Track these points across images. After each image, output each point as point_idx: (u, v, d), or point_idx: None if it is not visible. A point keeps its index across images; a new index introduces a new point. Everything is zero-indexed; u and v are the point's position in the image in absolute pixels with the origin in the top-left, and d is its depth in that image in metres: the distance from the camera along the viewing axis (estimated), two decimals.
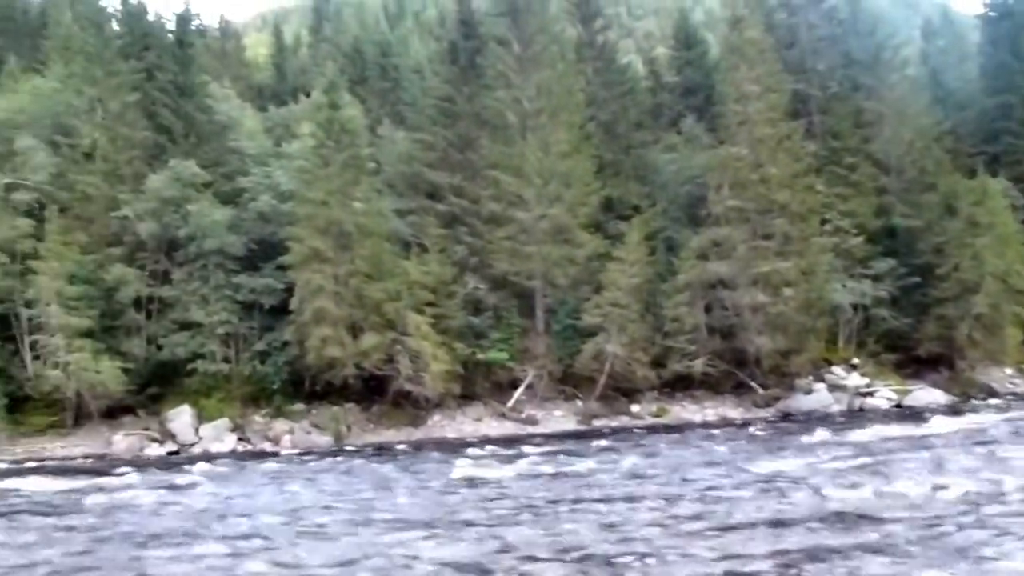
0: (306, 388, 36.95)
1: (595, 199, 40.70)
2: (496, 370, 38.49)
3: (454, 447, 33.03)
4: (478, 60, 43.17)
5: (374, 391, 37.11)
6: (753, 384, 38.94)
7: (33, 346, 35.54)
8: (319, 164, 36.97)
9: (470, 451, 31.15)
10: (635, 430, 35.97)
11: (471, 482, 24.35)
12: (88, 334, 34.99)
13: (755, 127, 38.80)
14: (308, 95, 49.49)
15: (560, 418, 38.23)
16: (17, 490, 26.21)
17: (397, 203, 40.51)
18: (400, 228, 39.39)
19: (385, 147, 43.85)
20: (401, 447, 34.31)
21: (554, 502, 20.79)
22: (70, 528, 20.56)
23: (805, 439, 29.58)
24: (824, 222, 40.84)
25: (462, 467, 26.80)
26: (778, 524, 17.25)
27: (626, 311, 37.27)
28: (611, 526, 17.91)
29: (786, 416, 37.46)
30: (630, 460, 27.02)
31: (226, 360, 37.21)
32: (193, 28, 46.96)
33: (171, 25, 45.26)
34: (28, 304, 35.60)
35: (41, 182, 37.75)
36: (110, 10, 50.57)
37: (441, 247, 38.61)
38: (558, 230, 39.34)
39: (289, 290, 36.57)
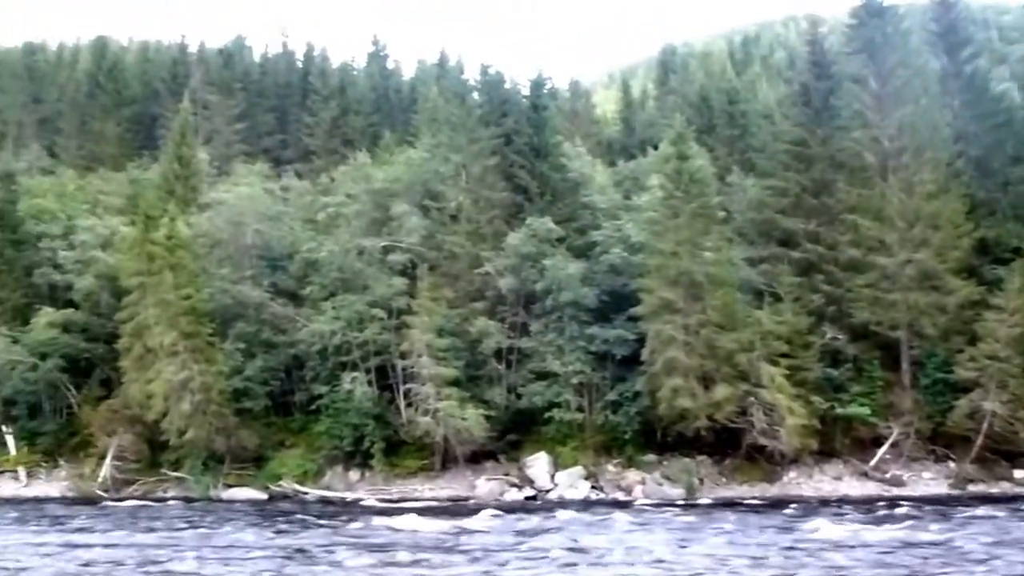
0: (658, 439, 38.56)
1: (967, 241, 38.73)
2: (857, 426, 37.68)
3: (811, 506, 32.79)
4: (832, 101, 43.01)
5: (727, 444, 37.83)
6: None
7: (407, 394, 40.37)
8: (668, 215, 38.79)
9: (828, 511, 30.79)
10: (1020, 498, 33.46)
11: (834, 545, 24.08)
12: (455, 383, 39.20)
13: None
14: (656, 147, 51.67)
15: (929, 480, 36.70)
16: (391, 527, 29.99)
17: (748, 251, 41.16)
18: (752, 277, 39.99)
19: (735, 195, 44.79)
20: (755, 503, 34.59)
21: None
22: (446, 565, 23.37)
23: None
24: None
25: (821, 528, 26.65)
26: None
27: (1006, 365, 35.04)
28: None
29: None
30: (1014, 534, 25.41)
31: (580, 409, 39.84)
32: (546, 91, 51.11)
33: (526, 91, 49.69)
34: (402, 355, 40.58)
35: (413, 244, 43.06)
36: (471, 82, 56.46)
37: (796, 296, 38.65)
38: (925, 276, 37.88)
39: (640, 341, 38.55)
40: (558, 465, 39.16)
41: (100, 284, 45.06)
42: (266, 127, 75.51)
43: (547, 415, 39.63)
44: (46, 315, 43.99)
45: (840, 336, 38.53)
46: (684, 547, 25.16)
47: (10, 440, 44.66)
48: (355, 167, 48.63)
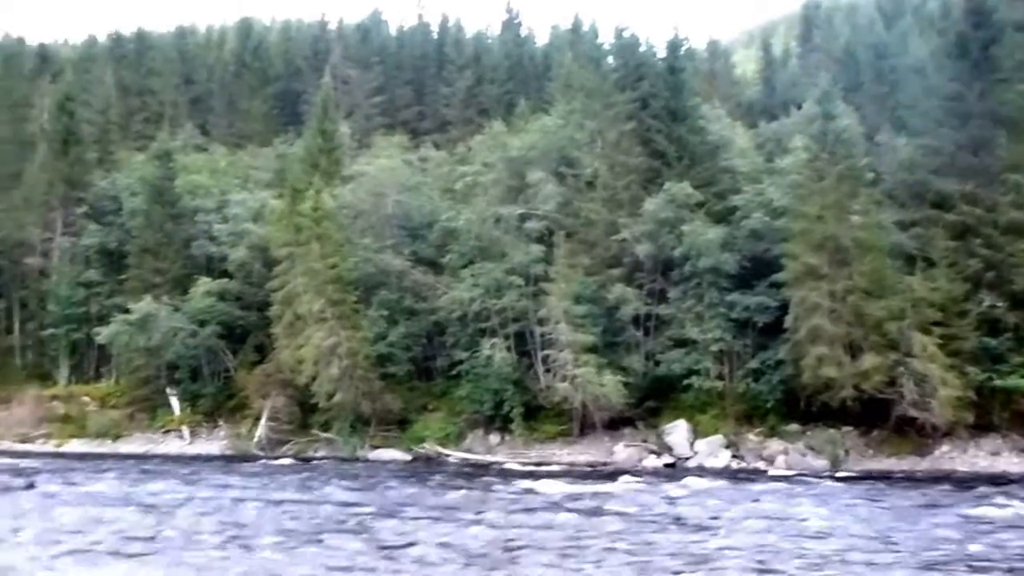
0: (801, 408, 37.69)
1: None
2: (1017, 398, 35.77)
3: (964, 482, 31.54)
4: (992, 51, 40.63)
5: (874, 415, 36.65)
6: None
7: (544, 360, 40.76)
8: (813, 178, 37.71)
9: (984, 488, 29.48)
10: None
11: (1003, 524, 23.18)
12: (592, 349, 39.32)
13: None
14: (799, 107, 50.26)
15: None
16: (532, 490, 30.58)
17: (899, 215, 39.55)
18: (903, 241, 38.44)
19: (884, 155, 43.06)
20: (902, 477, 33.54)
21: None
22: (586, 527, 23.68)
23: None
24: None
25: (982, 504, 25.67)
26: None
27: None
28: None
29: None
30: None
31: (720, 377, 39.43)
32: (682, 53, 50.16)
33: (662, 53, 48.96)
34: (540, 322, 40.95)
35: (549, 211, 43.22)
36: (606, 46, 56.01)
37: (951, 261, 36.92)
38: None
39: (783, 308, 37.73)
40: (698, 433, 38.93)
41: (252, 255, 47.18)
42: (403, 99, 76.87)
43: (686, 382, 39.40)
44: (204, 285, 46.36)
45: (999, 304, 36.39)
46: (839, 519, 24.60)
47: (174, 402, 47.40)
48: (491, 136, 49.07)
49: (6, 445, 46.94)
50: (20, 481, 32.31)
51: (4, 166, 60.74)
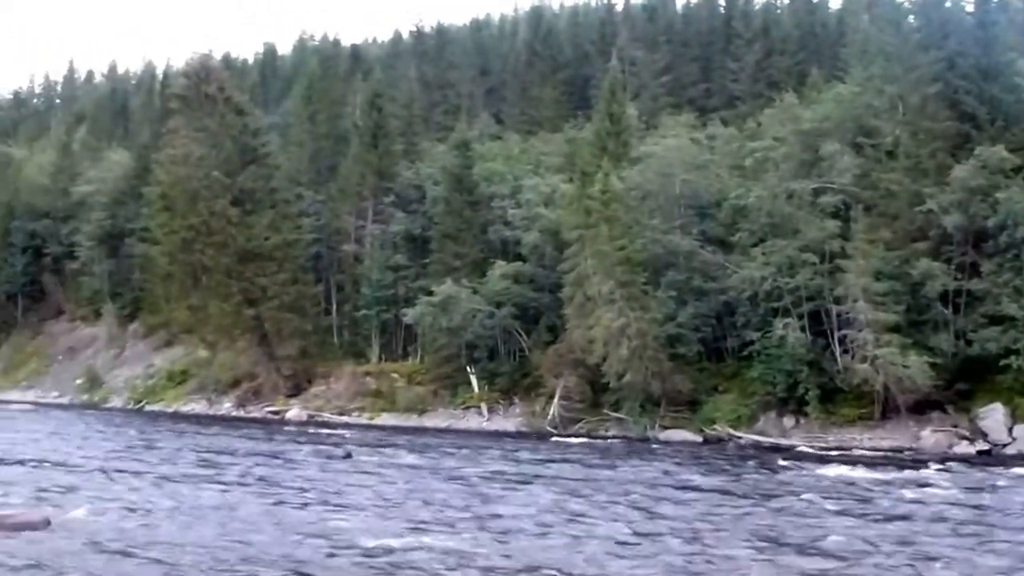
0: None
1: None
2: None
3: None
4: None
5: None
6: None
7: (842, 341, 39.05)
8: None
9: None
10: None
11: None
12: (895, 329, 37.19)
13: None
14: None
15: None
16: (832, 476, 29.54)
17: None
18: None
19: None
20: None
21: None
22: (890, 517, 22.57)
23: None
24: None
25: None
26: None
27: None
28: None
29: None
30: None
31: None
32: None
33: (970, 7, 45.14)
34: (837, 301, 39.29)
35: (846, 184, 41.25)
36: (906, 5, 52.40)
37: None
38: None
39: None
40: (1016, 417, 35.78)
41: (544, 238, 48.77)
42: (690, 77, 76.17)
43: (1003, 363, 36.16)
44: (500, 268, 48.59)
45: None
46: None
47: (473, 379, 50.10)
48: (781, 109, 47.46)
49: (326, 417, 51.81)
50: (339, 451, 35.46)
51: (323, 160, 66.99)
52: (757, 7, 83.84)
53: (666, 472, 30.87)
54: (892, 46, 43.88)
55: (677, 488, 27.16)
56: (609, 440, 41.97)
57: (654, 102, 69.26)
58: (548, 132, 65.77)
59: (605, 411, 44.47)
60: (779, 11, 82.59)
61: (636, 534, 20.41)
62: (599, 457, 35.22)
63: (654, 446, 39.62)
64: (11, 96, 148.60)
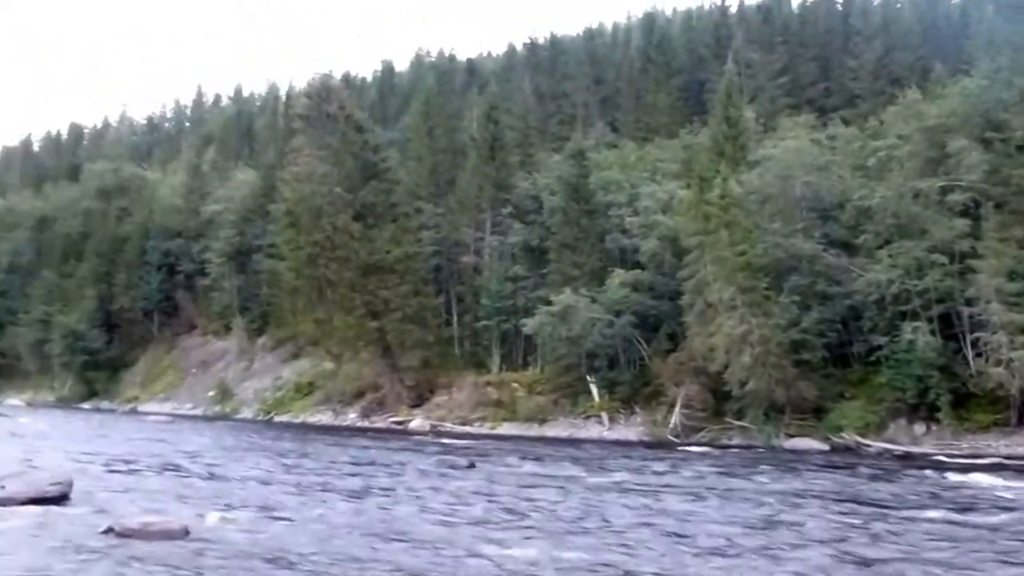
0: None
1: None
2: None
3: None
4: None
5: None
6: None
7: (975, 344, 37.97)
8: None
9: None
10: None
11: None
12: None
13: None
14: None
15: None
16: (967, 484, 28.59)
17: None
18: None
19: None
20: None
21: None
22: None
23: None
24: None
25: None
26: None
27: None
28: None
29: None
30: None
31: None
32: None
33: None
34: (968, 302, 38.23)
35: (975, 181, 40.10)
36: None
37: None
38: None
39: None
40: None
41: (662, 245, 48.81)
42: (808, 77, 74.97)
43: None
44: (618, 276, 48.79)
45: None
46: None
47: (594, 389, 50.35)
48: (904, 106, 46.39)
49: (448, 427, 52.79)
50: (463, 461, 36.08)
51: (441, 174, 68.46)
52: (876, 3, 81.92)
53: (800, 481, 30.43)
54: (1020, 36, 42.47)
55: (814, 497, 26.78)
56: (733, 449, 41.61)
57: (772, 104, 68.50)
58: (664, 138, 65.71)
59: (728, 419, 44.17)
60: (899, 5, 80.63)
61: (778, 545, 20.13)
62: (726, 466, 34.88)
63: (780, 455, 39.09)
64: (145, 122, 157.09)
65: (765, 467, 34.07)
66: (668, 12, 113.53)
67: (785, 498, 26.45)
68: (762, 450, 40.52)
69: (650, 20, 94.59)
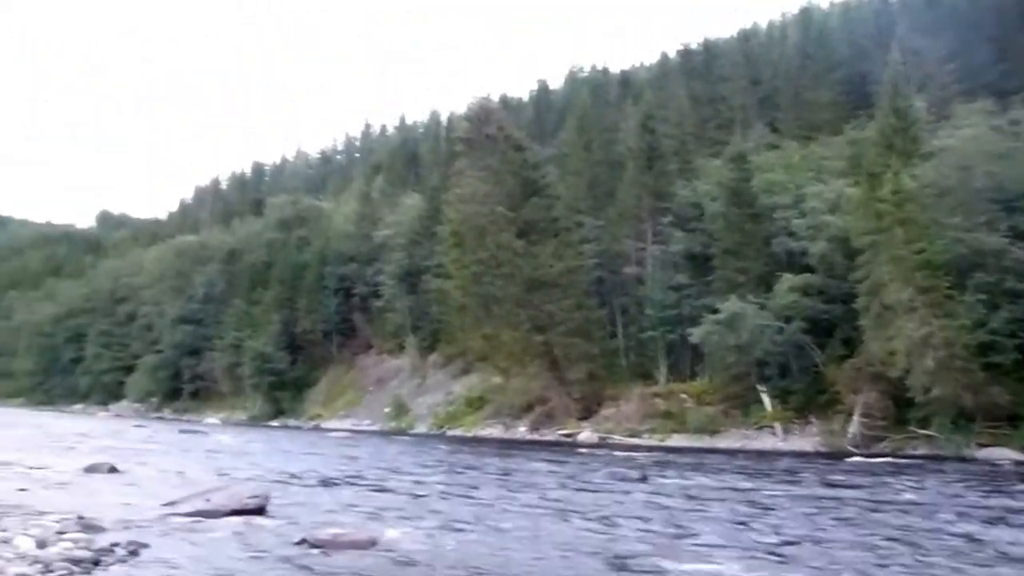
0: None
1: None
2: None
3: None
4: None
5: None
6: None
7: None
8: None
9: None
10: None
11: None
12: None
13: None
14: None
15: None
16: None
17: None
18: None
19: None
20: None
21: None
22: None
23: None
24: None
25: None
26: None
27: None
28: None
29: None
30: None
31: None
32: None
33: None
34: None
35: None
36: None
37: None
38: None
39: None
40: None
41: (832, 247, 46.06)
42: (983, 60, 69.53)
43: None
44: (787, 281, 46.37)
45: None
46: None
47: (766, 398, 48.01)
48: None
49: (616, 439, 51.46)
50: (634, 473, 34.87)
51: (600, 186, 67.37)
52: None
53: (1003, 496, 27.61)
54: None
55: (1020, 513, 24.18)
56: (918, 460, 38.48)
57: (943, 91, 63.84)
58: (827, 136, 62.39)
59: (911, 428, 41.07)
60: None
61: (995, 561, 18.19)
62: (914, 477, 32.20)
63: (972, 466, 35.83)
64: (319, 155, 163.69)
65: (959, 479, 31.26)
66: (824, 5, 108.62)
67: (991, 512, 24.03)
68: (952, 461, 37.28)
69: (807, 15, 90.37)
